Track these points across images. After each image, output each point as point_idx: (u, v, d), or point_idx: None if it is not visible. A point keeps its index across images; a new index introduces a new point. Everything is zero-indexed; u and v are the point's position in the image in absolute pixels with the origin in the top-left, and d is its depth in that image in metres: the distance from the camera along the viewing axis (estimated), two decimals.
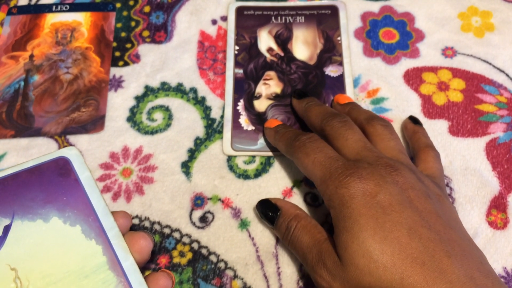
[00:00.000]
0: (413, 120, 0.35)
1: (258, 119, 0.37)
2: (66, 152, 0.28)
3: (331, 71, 0.39)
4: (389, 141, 0.31)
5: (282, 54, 0.40)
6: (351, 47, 0.40)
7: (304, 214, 0.30)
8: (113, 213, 0.27)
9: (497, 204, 0.33)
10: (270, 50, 0.40)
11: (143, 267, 0.29)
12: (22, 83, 0.38)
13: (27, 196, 0.26)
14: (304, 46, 0.40)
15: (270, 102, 0.38)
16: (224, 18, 0.42)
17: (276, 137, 0.34)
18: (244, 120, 0.37)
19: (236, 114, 0.37)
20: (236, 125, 0.37)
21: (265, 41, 0.41)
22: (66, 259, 0.25)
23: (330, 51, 0.40)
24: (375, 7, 0.43)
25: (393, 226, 0.25)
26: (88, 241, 0.25)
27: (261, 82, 0.39)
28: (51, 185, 0.27)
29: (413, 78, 0.39)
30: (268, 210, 0.31)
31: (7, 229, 0.25)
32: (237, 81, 0.39)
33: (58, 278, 0.24)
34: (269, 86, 0.38)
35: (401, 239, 0.24)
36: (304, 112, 0.35)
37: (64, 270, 0.24)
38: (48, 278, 0.24)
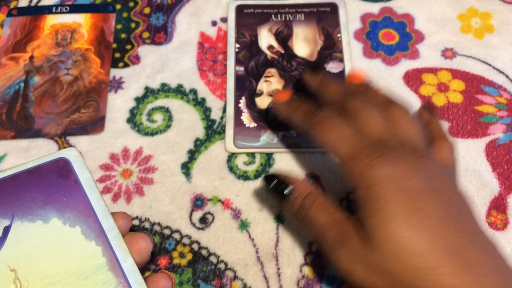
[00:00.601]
0: (428, 109, 0.34)
1: (260, 116, 0.37)
2: (66, 153, 0.28)
3: (332, 67, 0.39)
4: (408, 127, 0.29)
5: (282, 51, 0.40)
6: (351, 48, 0.40)
7: (319, 191, 0.29)
8: (113, 214, 0.27)
9: (497, 205, 0.33)
10: (270, 47, 0.40)
11: (143, 268, 0.29)
12: (22, 84, 0.38)
13: (27, 197, 0.26)
14: (304, 43, 0.40)
15: (271, 99, 0.38)
16: (224, 20, 0.42)
17: (289, 110, 0.32)
18: (246, 117, 0.37)
19: (238, 112, 0.37)
20: (238, 122, 0.37)
21: (266, 38, 0.41)
22: (65, 260, 0.25)
23: (331, 48, 0.40)
24: (374, 9, 0.43)
25: (425, 214, 0.24)
26: (87, 242, 0.25)
27: (262, 79, 0.39)
28: (51, 186, 0.27)
29: (413, 79, 0.39)
30: (278, 184, 0.30)
31: (6, 230, 0.25)
32: (238, 79, 0.39)
33: (58, 279, 0.24)
34: (271, 83, 0.38)
35: (433, 228, 0.24)
36: (319, 87, 0.33)
37: (63, 271, 0.24)
38: (48, 279, 0.24)
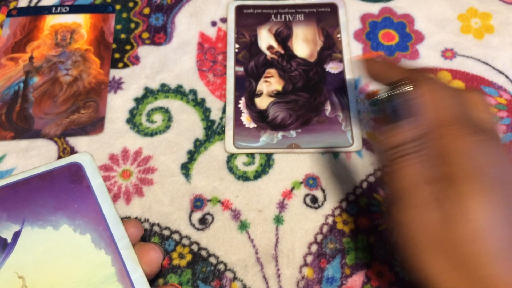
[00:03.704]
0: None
1: (260, 116, 0.37)
2: (79, 158, 0.27)
3: (332, 68, 0.39)
4: (484, 112, 0.27)
5: (282, 51, 0.40)
6: (351, 48, 0.40)
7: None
8: (124, 221, 0.26)
9: None
10: (270, 48, 0.40)
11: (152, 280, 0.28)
12: (22, 85, 0.38)
13: (38, 202, 0.26)
14: (304, 43, 0.40)
15: (271, 99, 0.38)
16: (224, 20, 0.42)
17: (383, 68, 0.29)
18: (245, 118, 0.37)
19: (237, 112, 0.37)
20: (238, 123, 0.37)
21: (265, 39, 0.41)
22: (74, 269, 0.24)
23: (330, 48, 0.40)
24: (374, 9, 0.43)
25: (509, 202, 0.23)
26: (97, 251, 0.25)
27: (262, 79, 0.39)
28: (63, 191, 0.26)
29: None
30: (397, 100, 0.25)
31: (16, 235, 0.25)
32: (238, 79, 0.39)
33: None
34: (270, 84, 0.38)
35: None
36: (377, 73, 0.29)
37: (72, 280, 0.24)
38: None
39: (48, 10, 0.42)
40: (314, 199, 0.34)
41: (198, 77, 0.39)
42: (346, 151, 0.35)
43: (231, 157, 0.36)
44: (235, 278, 0.31)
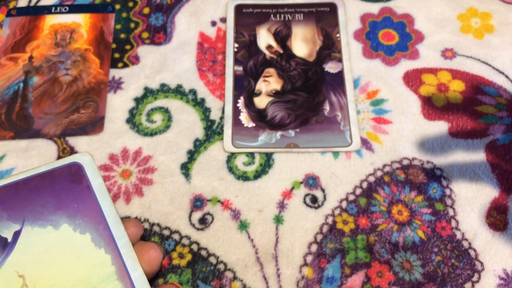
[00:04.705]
0: None
1: (259, 116, 0.37)
2: (79, 158, 0.27)
3: (331, 67, 0.39)
4: None
5: (281, 51, 0.40)
6: (351, 48, 0.40)
7: None
8: (124, 221, 0.26)
9: (497, 205, 0.33)
10: (269, 47, 0.40)
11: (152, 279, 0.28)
12: (21, 85, 0.38)
13: (38, 201, 0.26)
14: (303, 43, 0.40)
15: (270, 99, 0.38)
16: (224, 20, 0.42)
17: None
18: (244, 117, 0.37)
19: (236, 111, 0.37)
20: (236, 122, 0.37)
21: (264, 38, 0.41)
22: (74, 268, 0.24)
23: (329, 48, 0.40)
24: (374, 9, 0.43)
25: None
26: (97, 250, 0.25)
27: (261, 79, 0.39)
28: (63, 191, 0.26)
29: (413, 79, 0.39)
30: None
31: (17, 235, 0.25)
32: (237, 79, 0.39)
33: (66, 287, 0.24)
34: (269, 83, 0.38)
35: None
36: None
37: (72, 279, 0.24)
38: (56, 287, 0.24)
39: (47, 9, 0.42)
40: (314, 199, 0.34)
41: (197, 77, 0.39)
42: (344, 150, 0.35)
43: (231, 157, 0.36)
44: (235, 277, 0.31)
